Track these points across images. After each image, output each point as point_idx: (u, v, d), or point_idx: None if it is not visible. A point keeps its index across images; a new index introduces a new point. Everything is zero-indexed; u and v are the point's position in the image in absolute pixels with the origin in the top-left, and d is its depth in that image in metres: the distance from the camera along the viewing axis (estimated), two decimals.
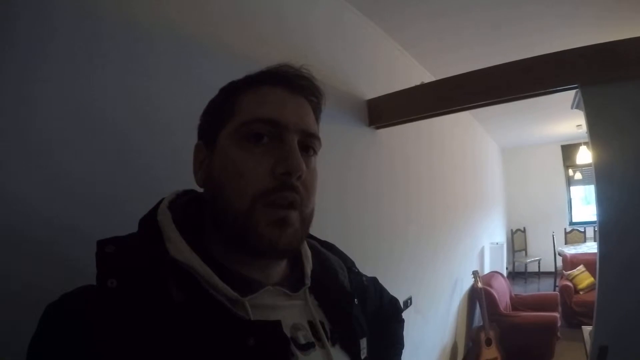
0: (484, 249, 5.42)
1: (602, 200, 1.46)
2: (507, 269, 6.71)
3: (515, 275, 7.72)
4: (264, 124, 0.58)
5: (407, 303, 2.62)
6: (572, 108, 1.94)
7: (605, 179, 1.46)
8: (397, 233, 2.59)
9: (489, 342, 3.85)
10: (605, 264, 1.45)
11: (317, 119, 0.67)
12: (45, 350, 0.47)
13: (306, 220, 0.61)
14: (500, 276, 4.96)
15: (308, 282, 0.67)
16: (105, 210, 0.91)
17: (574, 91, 1.68)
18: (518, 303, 4.81)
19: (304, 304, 0.65)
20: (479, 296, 4.09)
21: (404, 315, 1.02)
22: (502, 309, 4.25)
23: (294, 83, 0.62)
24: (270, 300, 0.61)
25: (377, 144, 2.38)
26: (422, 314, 2.93)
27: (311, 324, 0.64)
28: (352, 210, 2.05)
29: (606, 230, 1.45)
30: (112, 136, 0.96)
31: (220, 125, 0.61)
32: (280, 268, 0.66)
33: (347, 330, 0.68)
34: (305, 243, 0.71)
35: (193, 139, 0.69)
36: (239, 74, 0.67)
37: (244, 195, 0.56)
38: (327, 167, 1.81)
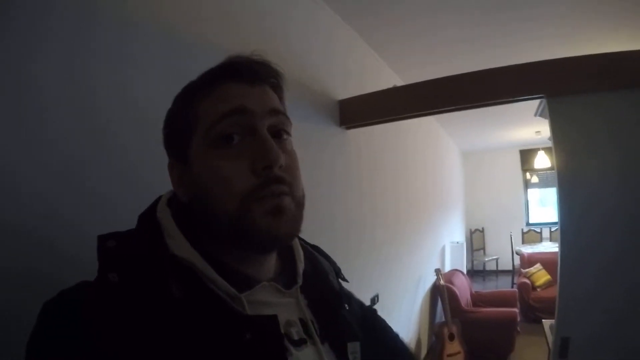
0: (445, 247, 5.57)
1: (564, 204, 1.56)
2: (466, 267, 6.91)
3: (474, 273, 7.94)
4: (231, 117, 0.57)
5: (374, 300, 2.66)
6: (535, 115, 2.04)
7: (567, 184, 1.55)
8: (365, 233, 2.63)
9: (451, 337, 3.97)
10: (566, 263, 1.55)
11: (282, 99, 0.66)
12: (45, 345, 0.47)
13: (300, 203, 0.62)
14: (460, 274, 5.13)
15: (300, 280, 0.67)
16: (101, 207, 0.92)
17: (537, 100, 1.77)
18: (478, 299, 4.98)
19: (295, 302, 0.65)
20: (441, 293, 4.20)
21: None
22: (463, 305, 4.40)
23: (249, 72, 0.61)
24: (265, 296, 0.61)
25: (347, 144, 2.41)
26: (388, 310, 2.99)
27: (302, 322, 0.64)
28: (322, 210, 2.04)
29: (567, 232, 1.55)
30: (107, 133, 0.97)
31: (188, 136, 0.60)
32: (273, 264, 0.66)
33: (335, 330, 0.67)
34: (297, 242, 0.71)
35: None
36: None
37: (232, 197, 0.55)
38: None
